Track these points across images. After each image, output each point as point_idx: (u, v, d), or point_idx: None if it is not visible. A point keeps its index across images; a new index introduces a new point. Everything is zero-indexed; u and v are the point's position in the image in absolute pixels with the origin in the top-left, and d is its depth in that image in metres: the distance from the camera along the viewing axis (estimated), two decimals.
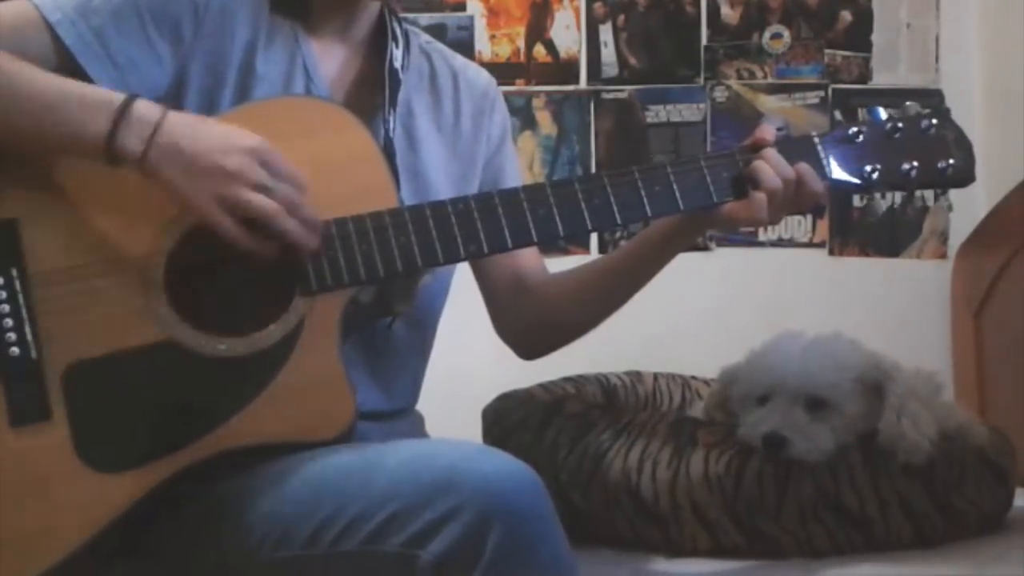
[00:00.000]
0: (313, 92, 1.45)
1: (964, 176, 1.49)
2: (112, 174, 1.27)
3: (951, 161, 1.48)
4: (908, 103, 1.52)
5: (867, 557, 1.53)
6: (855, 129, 1.48)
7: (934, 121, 1.49)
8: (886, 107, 1.51)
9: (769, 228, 2.77)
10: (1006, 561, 1.51)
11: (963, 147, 1.49)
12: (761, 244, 2.76)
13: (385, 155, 1.41)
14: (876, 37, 2.83)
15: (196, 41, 1.39)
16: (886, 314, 2.70)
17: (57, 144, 1.27)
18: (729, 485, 1.53)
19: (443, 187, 1.52)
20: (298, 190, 1.28)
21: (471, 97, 1.60)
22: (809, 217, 2.82)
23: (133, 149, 1.25)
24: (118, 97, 1.26)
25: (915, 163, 1.47)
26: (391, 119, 1.47)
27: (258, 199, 1.25)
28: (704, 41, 2.85)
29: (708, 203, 1.44)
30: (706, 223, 1.51)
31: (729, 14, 2.85)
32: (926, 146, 1.48)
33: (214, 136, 1.27)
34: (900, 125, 1.48)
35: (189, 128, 1.27)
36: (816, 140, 1.48)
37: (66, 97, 1.27)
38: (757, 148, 1.45)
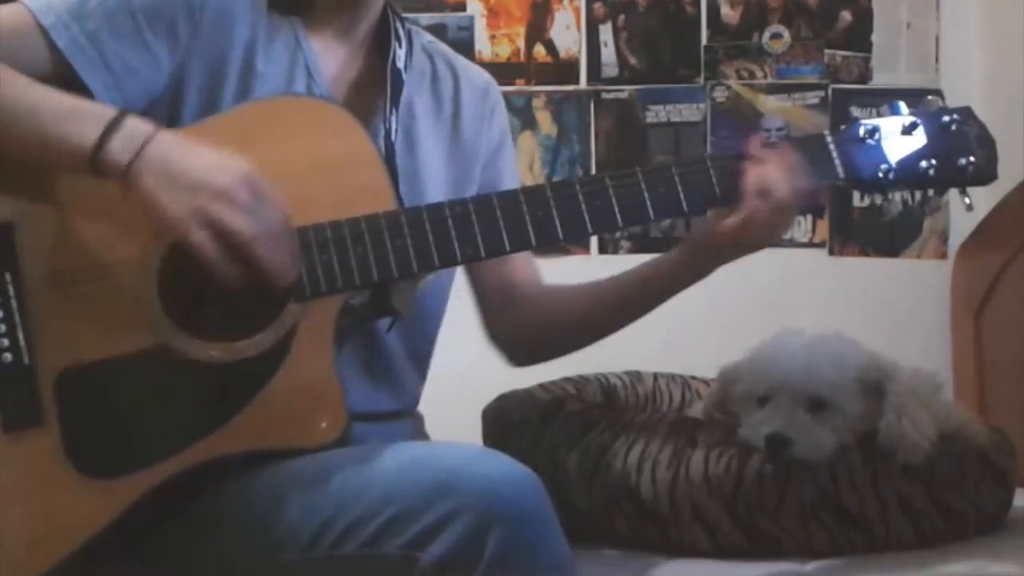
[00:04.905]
0: (314, 91, 1.45)
1: (986, 174, 1.45)
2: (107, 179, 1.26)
3: (972, 159, 1.43)
4: (929, 97, 1.47)
5: (867, 557, 1.52)
6: (871, 127, 1.44)
7: (955, 116, 1.45)
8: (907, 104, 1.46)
9: None
10: (1006, 561, 1.51)
11: (985, 144, 1.45)
12: None
13: (384, 157, 1.40)
14: (876, 37, 2.83)
15: (193, 41, 1.39)
16: (886, 314, 2.70)
17: (42, 151, 1.25)
18: (729, 485, 1.52)
19: (439, 190, 1.52)
20: (284, 223, 1.26)
21: (472, 100, 1.59)
22: (809, 217, 2.83)
23: (119, 160, 1.22)
24: (110, 110, 1.25)
25: (933, 161, 1.43)
26: (392, 120, 1.47)
27: (241, 219, 1.22)
28: (704, 41, 2.86)
29: (713, 204, 1.41)
30: (709, 254, 1.47)
31: (729, 14, 2.85)
32: (946, 143, 1.44)
33: (205, 156, 1.24)
34: (919, 121, 1.44)
35: (180, 146, 1.25)
36: (828, 139, 1.44)
37: (58, 106, 1.25)
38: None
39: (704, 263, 1.49)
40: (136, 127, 1.24)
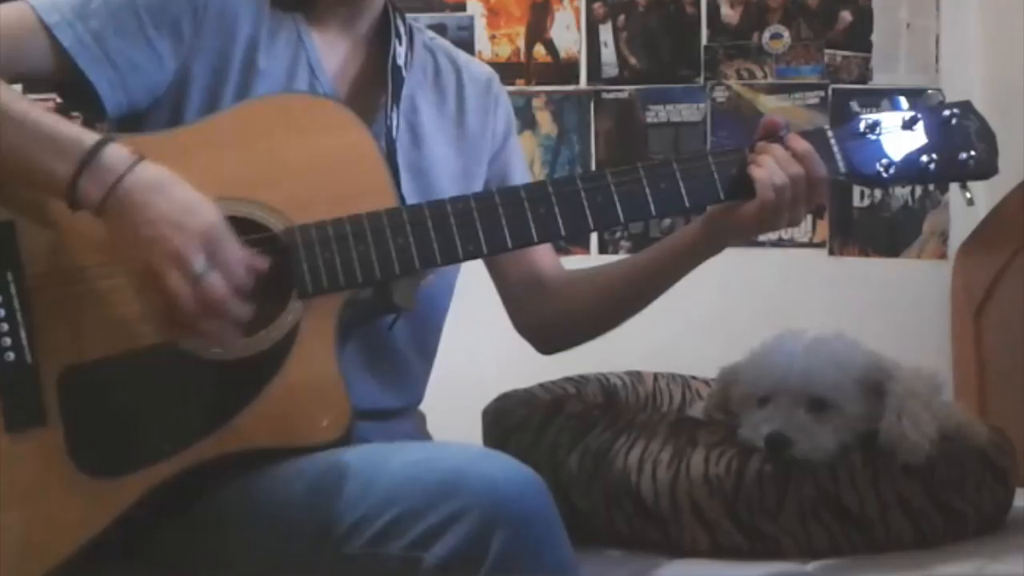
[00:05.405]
0: (317, 87, 1.45)
1: (986, 169, 1.44)
2: None
3: (972, 153, 1.43)
4: (930, 91, 1.47)
5: (867, 557, 1.52)
6: (871, 121, 1.44)
7: (955, 111, 1.44)
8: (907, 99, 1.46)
9: None
10: (1006, 561, 1.51)
11: (985, 138, 1.45)
12: (761, 244, 2.77)
13: (386, 154, 1.40)
14: (876, 37, 2.84)
15: (197, 40, 1.39)
16: (886, 314, 2.70)
17: (23, 179, 1.24)
18: (729, 485, 1.52)
19: (447, 184, 1.52)
20: (239, 280, 1.23)
21: (475, 93, 1.60)
22: (809, 217, 2.83)
23: (92, 198, 1.21)
24: (89, 139, 1.22)
25: (934, 155, 1.43)
26: (394, 116, 1.47)
27: (183, 288, 1.19)
28: (704, 41, 2.86)
29: (715, 201, 1.42)
30: (729, 231, 1.47)
31: (729, 14, 2.85)
32: (947, 138, 1.44)
33: (172, 204, 1.21)
34: (919, 116, 1.44)
35: (153, 187, 1.21)
36: (829, 134, 1.44)
37: (38, 133, 1.23)
38: (767, 138, 1.43)
39: (721, 240, 1.50)
40: (114, 158, 1.22)
